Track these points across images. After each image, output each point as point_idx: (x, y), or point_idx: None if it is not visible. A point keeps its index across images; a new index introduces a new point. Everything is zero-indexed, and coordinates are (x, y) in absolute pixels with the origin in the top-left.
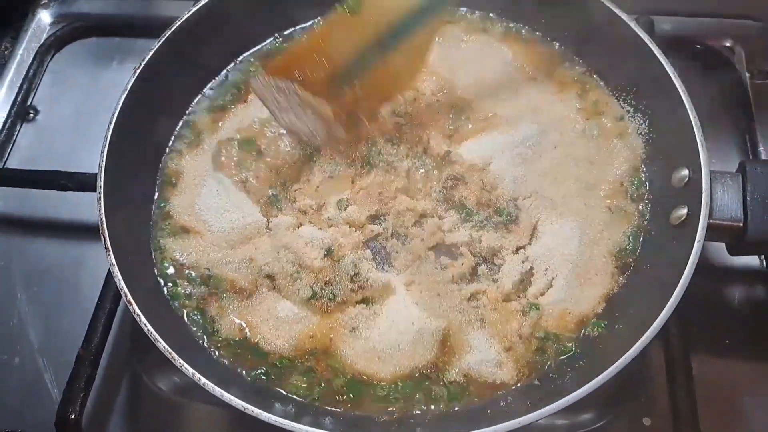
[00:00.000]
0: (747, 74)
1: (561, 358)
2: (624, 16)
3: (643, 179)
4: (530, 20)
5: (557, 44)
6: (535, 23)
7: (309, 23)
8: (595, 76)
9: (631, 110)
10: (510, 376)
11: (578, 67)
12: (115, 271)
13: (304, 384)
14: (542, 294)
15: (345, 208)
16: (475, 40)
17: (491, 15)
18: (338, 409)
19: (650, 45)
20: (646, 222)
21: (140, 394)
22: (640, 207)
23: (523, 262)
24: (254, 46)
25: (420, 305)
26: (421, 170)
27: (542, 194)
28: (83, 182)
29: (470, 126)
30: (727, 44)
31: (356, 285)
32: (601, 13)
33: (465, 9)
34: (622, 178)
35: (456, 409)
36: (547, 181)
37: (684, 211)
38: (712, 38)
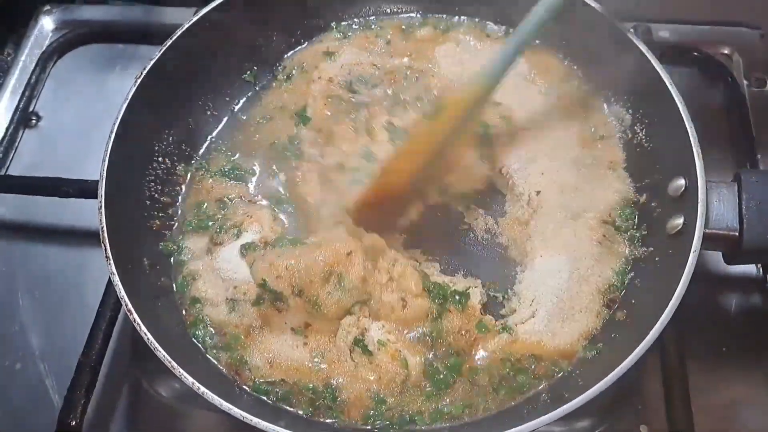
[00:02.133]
0: (745, 82)
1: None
2: (618, 23)
3: (634, 212)
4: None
5: (555, 53)
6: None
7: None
8: (596, 88)
9: (629, 120)
10: None
11: (576, 80)
12: (116, 279)
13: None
14: (522, 323)
15: None
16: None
17: (489, 23)
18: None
19: (647, 53)
20: (636, 254)
21: (141, 401)
22: (632, 241)
23: (514, 296)
24: (258, 55)
25: None
26: None
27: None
28: (85, 189)
29: None
30: (725, 52)
31: None
32: (598, 21)
33: (465, 18)
34: (612, 209)
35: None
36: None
37: (680, 220)
38: (710, 46)
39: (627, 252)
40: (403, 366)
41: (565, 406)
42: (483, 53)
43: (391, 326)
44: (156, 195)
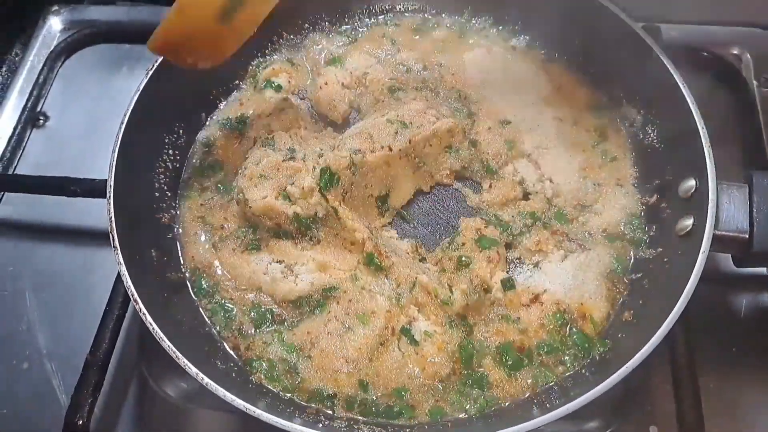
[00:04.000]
0: (755, 82)
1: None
2: (632, 24)
3: (642, 222)
4: (534, 28)
5: (565, 56)
6: (542, 33)
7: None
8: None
9: (641, 121)
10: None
11: (598, 108)
12: (123, 270)
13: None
14: None
15: None
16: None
17: (500, 27)
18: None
19: (658, 53)
20: (644, 255)
21: (148, 400)
22: (639, 244)
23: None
24: (264, 50)
25: None
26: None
27: None
28: (92, 188)
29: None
30: (735, 52)
31: None
32: (608, 21)
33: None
34: (620, 223)
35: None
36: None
37: (690, 221)
38: (720, 46)
39: (632, 253)
40: (450, 359)
41: (569, 404)
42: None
43: (436, 319)
44: (165, 187)
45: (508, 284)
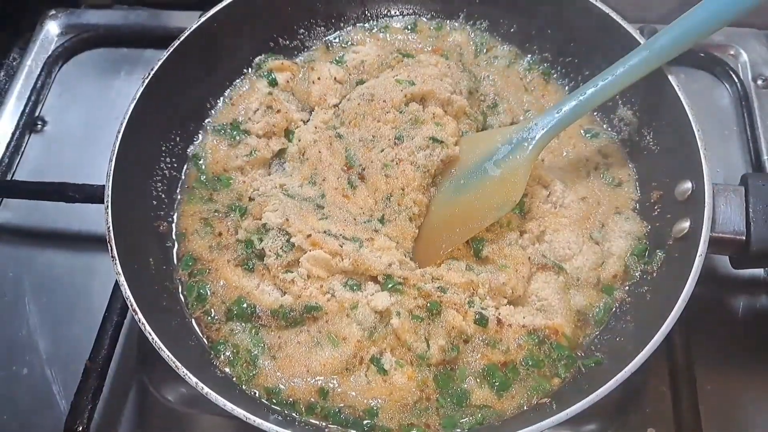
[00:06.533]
0: (752, 83)
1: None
2: (628, 26)
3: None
4: (527, 32)
5: (556, 57)
6: (540, 39)
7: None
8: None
9: (636, 123)
10: None
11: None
12: (121, 279)
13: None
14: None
15: None
16: None
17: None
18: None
19: None
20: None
21: (147, 405)
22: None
23: None
24: (261, 56)
25: None
26: None
27: None
28: (91, 194)
29: None
30: (731, 53)
31: None
32: (604, 22)
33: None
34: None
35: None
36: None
37: (686, 224)
38: (717, 47)
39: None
40: (419, 386)
41: (569, 410)
42: None
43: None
44: (163, 195)
45: (482, 321)
